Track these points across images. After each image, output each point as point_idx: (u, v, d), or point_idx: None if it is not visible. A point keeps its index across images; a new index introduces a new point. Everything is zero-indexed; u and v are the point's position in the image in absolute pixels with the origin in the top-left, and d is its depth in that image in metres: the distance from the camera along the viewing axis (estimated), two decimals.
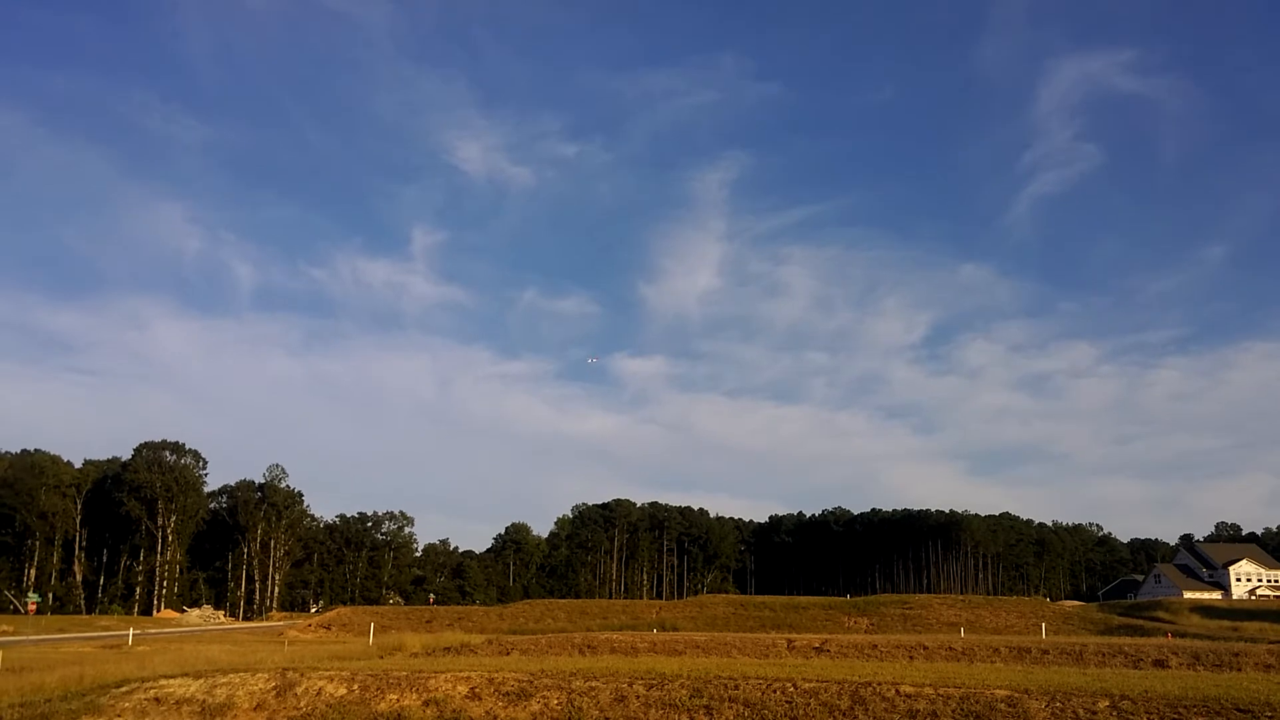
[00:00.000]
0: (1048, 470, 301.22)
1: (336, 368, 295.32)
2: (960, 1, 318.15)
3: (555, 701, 17.75)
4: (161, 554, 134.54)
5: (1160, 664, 28.89)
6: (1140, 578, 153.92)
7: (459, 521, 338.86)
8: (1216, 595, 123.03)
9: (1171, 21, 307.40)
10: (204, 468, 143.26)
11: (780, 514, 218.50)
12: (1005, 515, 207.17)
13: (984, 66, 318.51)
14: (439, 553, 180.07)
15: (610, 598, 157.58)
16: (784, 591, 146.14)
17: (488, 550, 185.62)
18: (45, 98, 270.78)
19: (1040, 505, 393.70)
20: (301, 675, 20.20)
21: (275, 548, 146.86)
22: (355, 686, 19.30)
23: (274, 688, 19.57)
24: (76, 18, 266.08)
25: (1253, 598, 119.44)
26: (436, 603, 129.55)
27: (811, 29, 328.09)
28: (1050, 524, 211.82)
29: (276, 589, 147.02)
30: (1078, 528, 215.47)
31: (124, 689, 20.46)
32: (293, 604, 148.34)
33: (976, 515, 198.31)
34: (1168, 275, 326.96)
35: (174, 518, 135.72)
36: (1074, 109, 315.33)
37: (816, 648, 31.07)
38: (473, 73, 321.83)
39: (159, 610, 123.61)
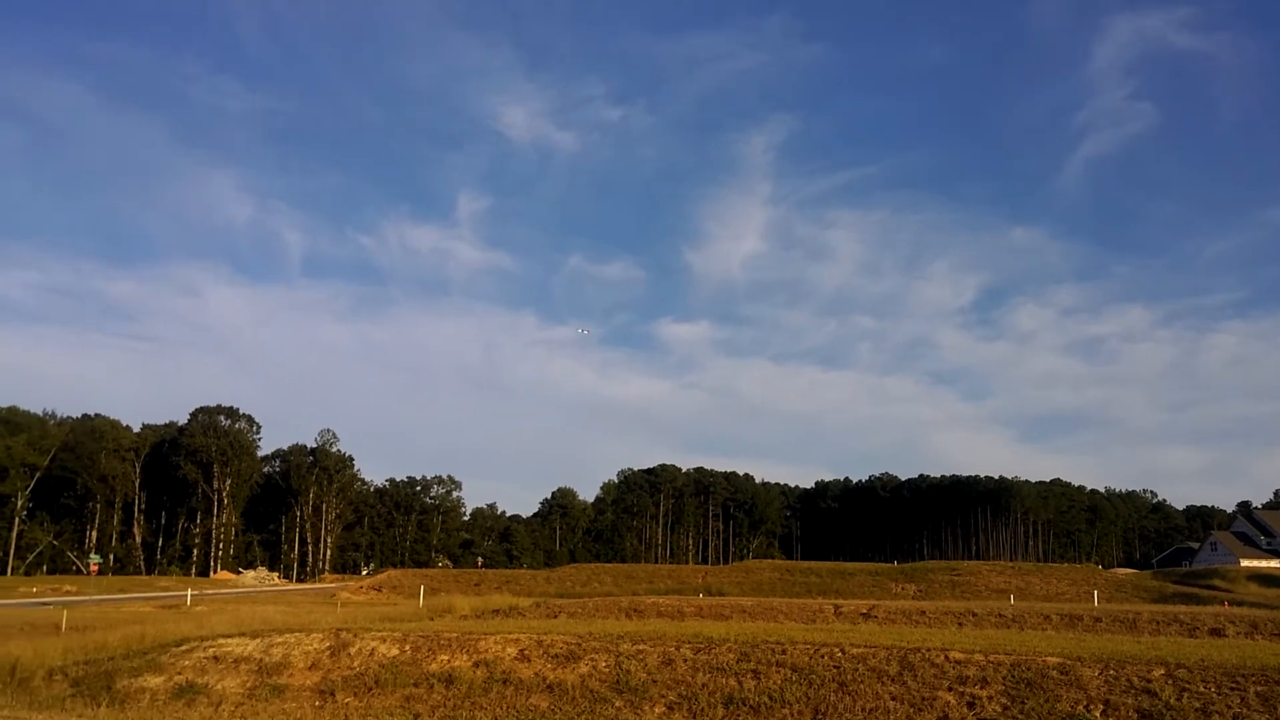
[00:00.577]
0: (1100, 437, 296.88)
1: (385, 333, 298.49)
2: None
3: (603, 664, 17.88)
4: (217, 516, 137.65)
5: (1217, 632, 28.43)
6: (1196, 545, 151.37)
7: (506, 486, 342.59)
8: (1275, 563, 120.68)
9: None
10: (257, 432, 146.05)
11: (826, 480, 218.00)
12: (1056, 482, 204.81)
13: (1036, 24, 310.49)
14: (486, 517, 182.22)
15: (656, 562, 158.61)
16: (830, 558, 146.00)
17: (534, 514, 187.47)
18: (100, 68, 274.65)
19: (1092, 472, 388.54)
20: (355, 636, 20.56)
21: (327, 511, 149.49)
22: (407, 647, 19.60)
23: (328, 648, 19.94)
24: None
25: None
26: (484, 566, 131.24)
27: None
28: (1103, 490, 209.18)
29: (328, 551, 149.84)
30: (1131, 495, 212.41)
31: (184, 648, 20.98)
32: (344, 566, 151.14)
33: (1027, 481, 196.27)
34: (1225, 237, 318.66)
35: (229, 481, 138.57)
36: (1128, 67, 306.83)
37: (864, 613, 30.99)
38: (516, 38, 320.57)
39: (215, 571, 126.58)
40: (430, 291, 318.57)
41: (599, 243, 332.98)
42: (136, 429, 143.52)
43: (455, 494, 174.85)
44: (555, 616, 30.97)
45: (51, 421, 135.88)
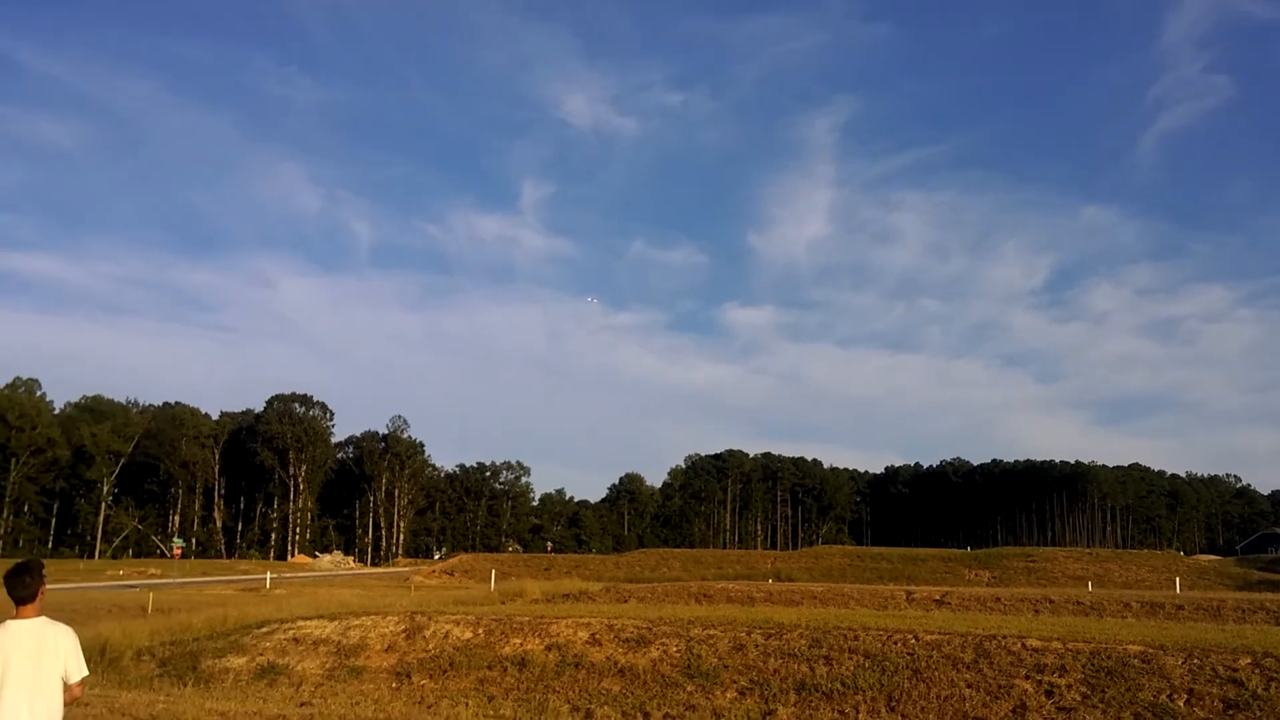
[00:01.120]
0: (1180, 420, 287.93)
1: (452, 321, 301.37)
2: None
3: (674, 649, 17.93)
4: (293, 502, 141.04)
5: None
6: None
7: (573, 471, 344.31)
8: None
9: None
10: (331, 419, 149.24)
11: (896, 465, 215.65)
12: (1135, 466, 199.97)
13: None
14: (555, 502, 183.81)
15: (724, 548, 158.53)
16: (900, 544, 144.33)
17: (602, 500, 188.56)
18: (173, 65, 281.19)
19: (1172, 456, 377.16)
20: (429, 619, 20.90)
21: (399, 496, 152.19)
22: (480, 630, 19.86)
23: (404, 630, 20.30)
24: None
25: None
26: (554, 551, 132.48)
27: None
28: (1184, 475, 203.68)
29: (401, 536, 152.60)
30: (1213, 479, 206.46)
31: (264, 629, 21.53)
32: (417, 550, 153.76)
33: (1104, 466, 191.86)
34: None
35: (304, 467, 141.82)
36: (1204, 39, 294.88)
37: (937, 600, 30.59)
38: (576, 25, 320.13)
39: (293, 555, 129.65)
40: (496, 279, 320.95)
41: (662, 228, 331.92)
42: (215, 416, 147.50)
43: (524, 479, 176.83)
44: (625, 601, 31.13)
45: (134, 409, 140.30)
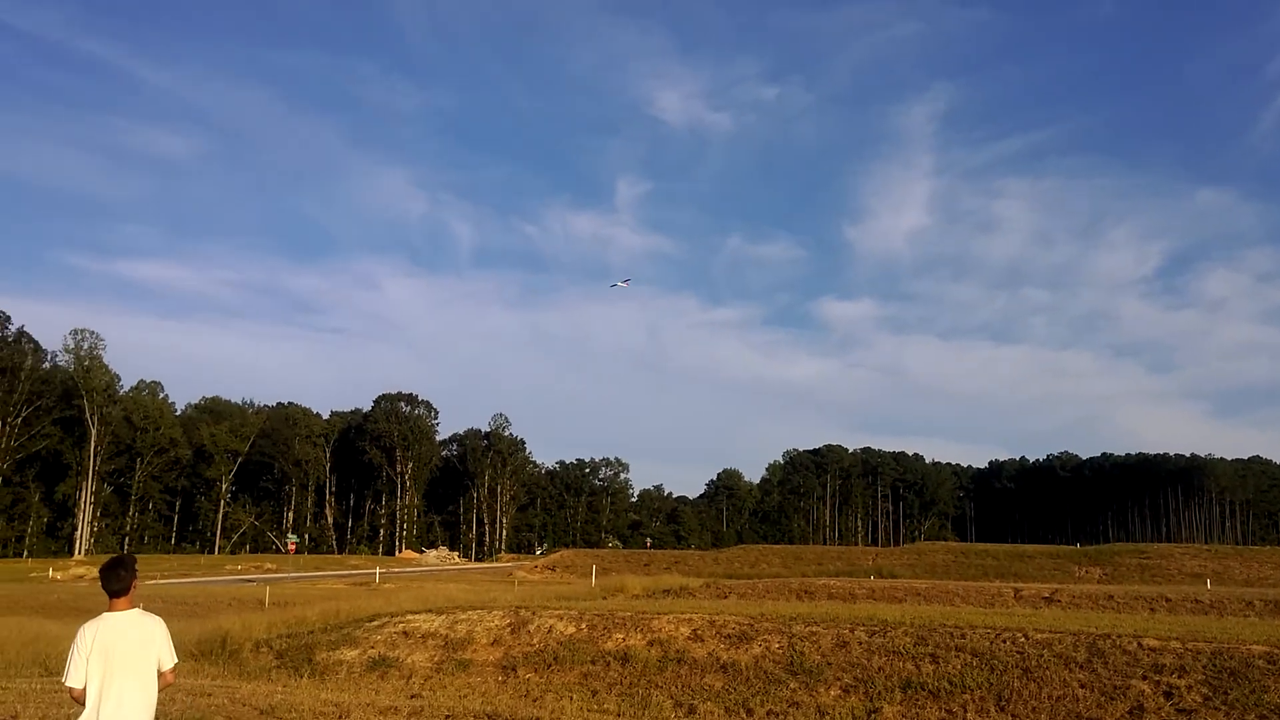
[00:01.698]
0: None
1: (551, 319, 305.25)
2: None
3: (776, 645, 17.87)
4: (400, 498, 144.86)
5: None
6: None
7: (671, 468, 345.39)
8: None
9: None
10: (435, 417, 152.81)
11: (1001, 459, 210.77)
12: (1256, 459, 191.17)
13: None
14: (654, 498, 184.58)
15: (824, 544, 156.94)
16: (1006, 540, 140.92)
17: (700, 496, 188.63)
18: (282, 76, 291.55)
19: None
20: (533, 614, 21.25)
21: (501, 493, 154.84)
22: (583, 625, 20.11)
23: (509, 625, 20.68)
24: None
25: None
26: (652, 546, 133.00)
27: None
28: None
29: (504, 531, 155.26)
30: None
31: (375, 623, 22.17)
32: (519, 546, 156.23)
33: (1222, 459, 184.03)
34: None
35: (410, 464, 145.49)
36: None
37: (1046, 597, 29.79)
38: (669, 21, 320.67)
39: (400, 551, 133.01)
40: (593, 277, 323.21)
41: (757, 223, 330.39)
42: (325, 416, 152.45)
43: (623, 476, 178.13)
44: (725, 597, 31.11)
45: (250, 410, 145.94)
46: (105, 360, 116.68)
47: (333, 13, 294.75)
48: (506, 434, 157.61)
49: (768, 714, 15.53)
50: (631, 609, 22.01)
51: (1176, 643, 15.79)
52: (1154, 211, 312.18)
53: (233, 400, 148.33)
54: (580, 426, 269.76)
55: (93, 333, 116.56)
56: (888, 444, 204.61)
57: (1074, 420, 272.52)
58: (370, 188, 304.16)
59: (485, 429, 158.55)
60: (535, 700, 16.83)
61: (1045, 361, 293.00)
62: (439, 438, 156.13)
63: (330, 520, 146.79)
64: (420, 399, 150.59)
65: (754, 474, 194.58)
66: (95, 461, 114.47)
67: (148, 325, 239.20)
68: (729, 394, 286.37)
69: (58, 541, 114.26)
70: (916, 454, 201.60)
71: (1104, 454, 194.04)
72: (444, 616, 21.70)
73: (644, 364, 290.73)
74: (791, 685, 16.33)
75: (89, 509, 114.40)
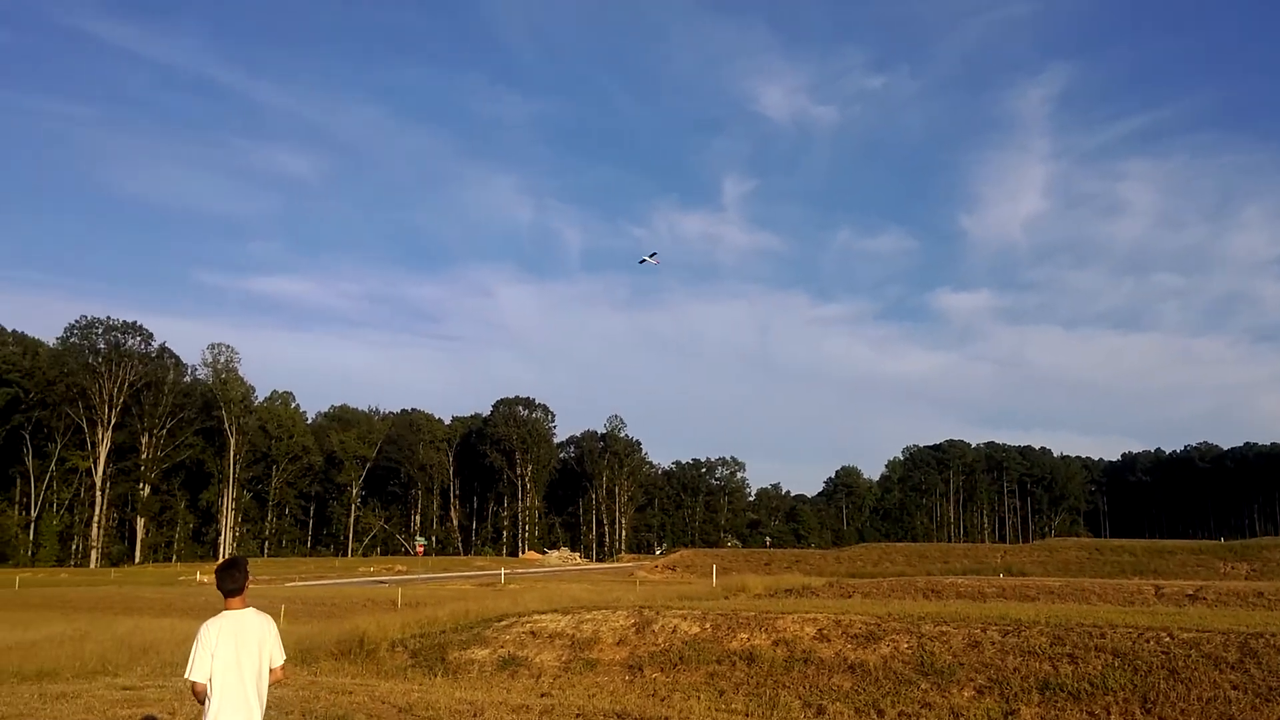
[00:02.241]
0: None
1: (661, 320, 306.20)
2: None
3: (905, 645, 17.55)
4: (521, 500, 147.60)
5: None
6: None
7: (787, 466, 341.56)
8: None
9: None
10: (552, 421, 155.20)
11: (1134, 451, 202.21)
12: None
13: None
14: (771, 497, 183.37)
15: (948, 542, 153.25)
16: (1142, 535, 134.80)
17: (819, 494, 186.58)
18: (394, 91, 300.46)
19: None
20: (657, 613, 21.37)
21: (619, 494, 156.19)
22: (707, 625, 20.13)
23: (633, 624, 20.85)
24: (409, 15, 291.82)
25: None
26: (772, 545, 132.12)
27: None
28: None
29: (624, 532, 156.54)
30: None
31: (503, 623, 22.63)
32: (638, 546, 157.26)
33: None
34: None
35: (530, 467, 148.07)
36: None
37: (1190, 595, 28.43)
38: (770, 16, 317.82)
39: (523, 552, 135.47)
40: (702, 277, 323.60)
41: (867, 215, 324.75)
42: (447, 421, 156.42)
43: (739, 475, 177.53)
44: (849, 596, 30.68)
45: (376, 417, 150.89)
46: (241, 373, 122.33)
47: (437, 28, 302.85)
48: (622, 435, 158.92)
49: (899, 715, 15.28)
50: (754, 608, 21.92)
51: None
52: None
53: (359, 408, 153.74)
54: (694, 427, 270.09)
55: (228, 347, 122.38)
56: (1012, 438, 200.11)
57: (1212, 409, 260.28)
58: (480, 197, 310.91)
59: (601, 430, 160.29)
60: (662, 700, 16.93)
61: (1177, 349, 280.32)
62: (556, 440, 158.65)
63: (455, 523, 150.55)
64: (537, 402, 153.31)
65: (873, 471, 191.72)
66: (235, 469, 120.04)
67: (278, 338, 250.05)
68: (842, 390, 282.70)
69: (203, 546, 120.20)
70: (1044, 447, 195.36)
71: (1247, 443, 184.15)
72: (569, 616, 22.01)
73: (755, 362, 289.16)
74: (923, 686, 16.02)
75: (230, 514, 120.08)
